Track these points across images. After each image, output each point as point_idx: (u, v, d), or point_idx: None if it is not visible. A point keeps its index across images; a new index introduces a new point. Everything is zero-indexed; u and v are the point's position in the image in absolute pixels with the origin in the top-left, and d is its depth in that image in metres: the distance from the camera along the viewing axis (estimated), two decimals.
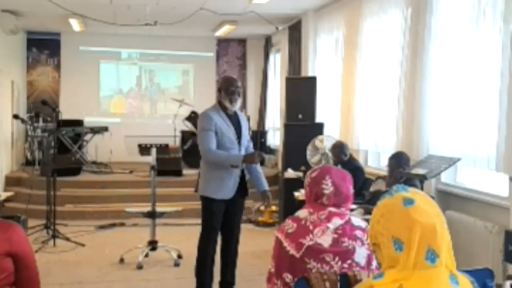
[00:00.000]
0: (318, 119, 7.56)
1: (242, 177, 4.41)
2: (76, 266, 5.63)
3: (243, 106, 11.58)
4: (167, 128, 10.20)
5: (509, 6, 4.19)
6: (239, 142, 4.37)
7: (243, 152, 4.39)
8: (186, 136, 10.30)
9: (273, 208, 7.87)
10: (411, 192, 1.55)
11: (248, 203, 8.36)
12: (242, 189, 4.44)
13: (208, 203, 4.40)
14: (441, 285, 1.46)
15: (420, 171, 4.45)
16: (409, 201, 1.52)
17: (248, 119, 9.87)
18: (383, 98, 6.21)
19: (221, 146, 4.32)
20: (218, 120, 4.31)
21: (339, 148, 5.89)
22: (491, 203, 4.53)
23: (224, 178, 4.33)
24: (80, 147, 10.02)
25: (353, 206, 4.31)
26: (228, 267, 4.60)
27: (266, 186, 4.53)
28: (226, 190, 4.35)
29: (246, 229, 7.57)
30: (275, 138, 10.96)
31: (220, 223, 4.47)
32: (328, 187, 2.34)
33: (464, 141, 4.73)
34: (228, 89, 4.32)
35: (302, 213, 2.36)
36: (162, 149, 8.64)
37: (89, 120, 10.85)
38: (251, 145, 4.64)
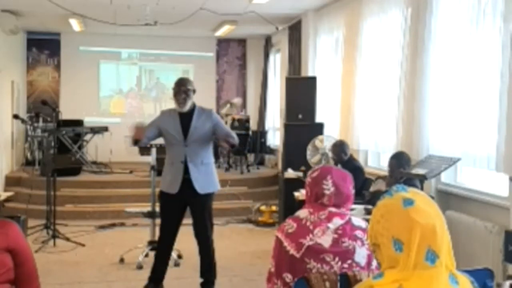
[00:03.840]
0: (318, 119, 7.56)
1: (187, 173, 4.54)
2: (76, 266, 5.63)
3: (243, 106, 11.60)
4: None
5: (509, 6, 4.19)
6: (185, 139, 4.54)
7: (192, 148, 4.55)
8: None
9: (273, 208, 7.88)
10: (411, 193, 1.55)
11: (247, 203, 8.43)
12: (190, 186, 4.52)
13: (160, 195, 4.74)
14: (441, 285, 1.47)
15: (420, 171, 4.45)
16: (409, 202, 1.52)
17: (248, 119, 9.87)
18: (383, 98, 6.21)
19: (167, 142, 4.68)
20: (166, 119, 4.64)
21: (339, 147, 5.89)
22: (491, 203, 4.53)
23: (169, 172, 4.63)
24: (80, 147, 10.02)
25: (353, 206, 4.31)
26: (204, 266, 4.73)
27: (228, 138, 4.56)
28: (169, 183, 4.59)
29: (246, 229, 7.59)
30: (275, 138, 10.96)
31: (173, 218, 4.65)
32: (328, 187, 2.34)
33: (464, 141, 4.73)
34: (173, 92, 4.60)
35: (302, 213, 2.36)
36: (162, 149, 8.64)
37: (89, 120, 10.85)
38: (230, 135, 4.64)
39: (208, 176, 4.63)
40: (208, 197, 4.66)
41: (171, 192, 4.57)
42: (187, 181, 4.52)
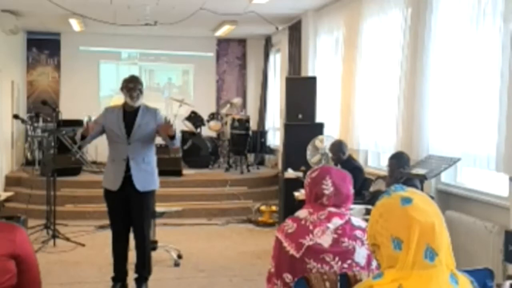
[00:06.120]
0: (318, 119, 7.55)
1: (128, 170, 4.58)
2: (76, 266, 5.64)
3: (243, 106, 11.60)
4: None
5: (509, 6, 4.19)
6: (128, 136, 4.58)
7: (135, 146, 4.60)
8: (186, 136, 10.29)
9: (273, 208, 7.88)
10: (409, 192, 1.56)
11: (247, 203, 8.43)
12: (130, 183, 4.58)
13: (103, 193, 4.76)
14: (441, 284, 1.46)
15: (420, 171, 4.45)
16: (407, 200, 1.52)
17: (248, 119, 9.87)
18: (383, 98, 6.21)
19: (109, 139, 4.71)
20: (110, 116, 4.67)
21: (337, 147, 5.89)
22: (491, 203, 4.53)
23: (111, 169, 4.69)
24: (80, 147, 10.01)
25: (352, 206, 4.31)
26: (139, 262, 4.79)
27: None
28: (111, 180, 4.65)
29: (246, 229, 7.59)
30: (275, 138, 10.96)
31: (120, 216, 4.69)
32: (328, 188, 2.34)
33: (464, 141, 4.73)
34: (127, 86, 4.62)
35: (302, 213, 2.36)
36: (162, 149, 8.64)
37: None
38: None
39: (148, 174, 4.69)
40: (148, 195, 4.71)
41: (112, 189, 4.63)
42: (128, 179, 4.59)
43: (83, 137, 4.53)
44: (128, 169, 4.58)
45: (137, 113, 4.64)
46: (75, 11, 8.23)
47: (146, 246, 4.77)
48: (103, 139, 4.82)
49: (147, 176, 4.67)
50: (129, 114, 4.63)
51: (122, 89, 4.68)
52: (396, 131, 5.80)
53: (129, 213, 4.69)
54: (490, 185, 4.73)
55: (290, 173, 6.86)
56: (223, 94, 12.03)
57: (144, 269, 4.78)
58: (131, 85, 4.60)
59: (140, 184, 4.60)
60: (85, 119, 10.64)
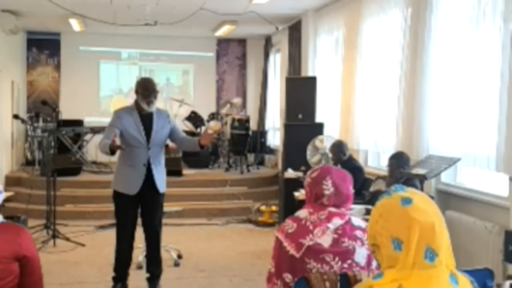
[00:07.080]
0: (318, 119, 7.55)
1: (150, 174, 4.57)
2: (76, 266, 5.64)
3: (243, 106, 11.60)
4: None
5: (509, 6, 4.19)
6: (148, 142, 4.53)
7: (154, 151, 4.57)
8: None
9: (273, 208, 7.88)
10: (409, 192, 1.56)
11: (247, 203, 8.43)
12: (151, 186, 4.58)
13: (114, 196, 4.69)
14: (441, 284, 1.47)
15: (420, 171, 4.45)
16: (407, 201, 1.52)
17: (248, 119, 9.88)
18: (383, 98, 6.21)
19: (127, 144, 4.50)
20: (127, 120, 4.52)
21: (337, 147, 5.89)
22: (491, 203, 4.53)
23: (128, 173, 4.60)
24: (80, 147, 10.01)
25: (352, 206, 4.31)
26: (151, 261, 4.82)
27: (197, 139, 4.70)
28: (129, 185, 4.58)
29: (246, 229, 7.59)
30: (275, 138, 10.96)
31: (131, 218, 4.68)
32: (328, 188, 2.34)
33: (464, 141, 4.73)
34: (143, 93, 4.51)
35: (302, 213, 2.36)
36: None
37: (89, 120, 10.85)
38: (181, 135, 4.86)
39: (163, 175, 4.74)
40: (164, 195, 4.78)
41: (130, 193, 4.58)
42: (149, 182, 4.57)
43: (113, 152, 4.38)
44: (149, 173, 4.56)
45: (151, 116, 4.57)
46: (75, 11, 8.23)
47: (159, 246, 4.82)
48: (98, 138, 4.76)
49: (163, 177, 4.72)
50: (145, 117, 4.56)
51: (137, 92, 4.57)
52: (396, 131, 5.80)
53: (138, 214, 4.69)
54: (490, 185, 4.73)
55: (290, 173, 6.86)
56: (223, 94, 12.03)
57: (157, 267, 4.82)
58: (148, 92, 4.50)
59: (161, 185, 4.66)
60: (85, 119, 10.65)
